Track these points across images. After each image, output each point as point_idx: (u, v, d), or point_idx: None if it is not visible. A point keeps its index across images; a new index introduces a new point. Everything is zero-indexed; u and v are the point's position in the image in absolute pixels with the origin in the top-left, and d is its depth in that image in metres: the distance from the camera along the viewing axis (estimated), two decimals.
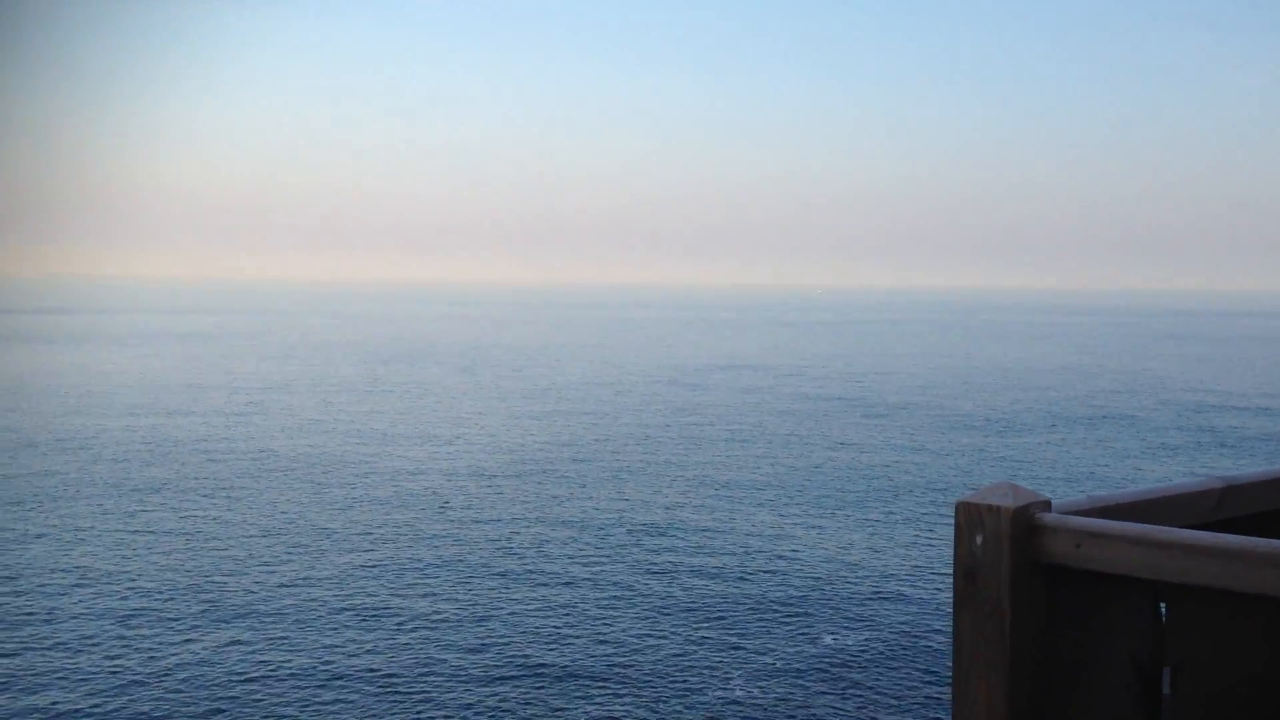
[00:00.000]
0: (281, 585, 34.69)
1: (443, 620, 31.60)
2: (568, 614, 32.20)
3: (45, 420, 69.07)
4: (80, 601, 32.84)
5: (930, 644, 30.13)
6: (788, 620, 32.02)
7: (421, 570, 36.38)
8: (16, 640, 29.57)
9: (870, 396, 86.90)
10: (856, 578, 36.06)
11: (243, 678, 27.54)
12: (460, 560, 37.54)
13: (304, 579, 35.39)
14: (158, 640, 29.80)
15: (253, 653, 29.00)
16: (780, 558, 38.31)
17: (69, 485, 49.14)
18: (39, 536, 40.06)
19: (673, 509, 45.29)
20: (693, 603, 33.33)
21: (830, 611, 32.80)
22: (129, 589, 34.13)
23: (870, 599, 33.95)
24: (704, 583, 35.27)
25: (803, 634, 30.92)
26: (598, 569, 36.55)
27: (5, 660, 28.18)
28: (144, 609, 32.29)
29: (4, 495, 46.78)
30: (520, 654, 29.12)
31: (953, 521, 3.89)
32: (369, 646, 29.58)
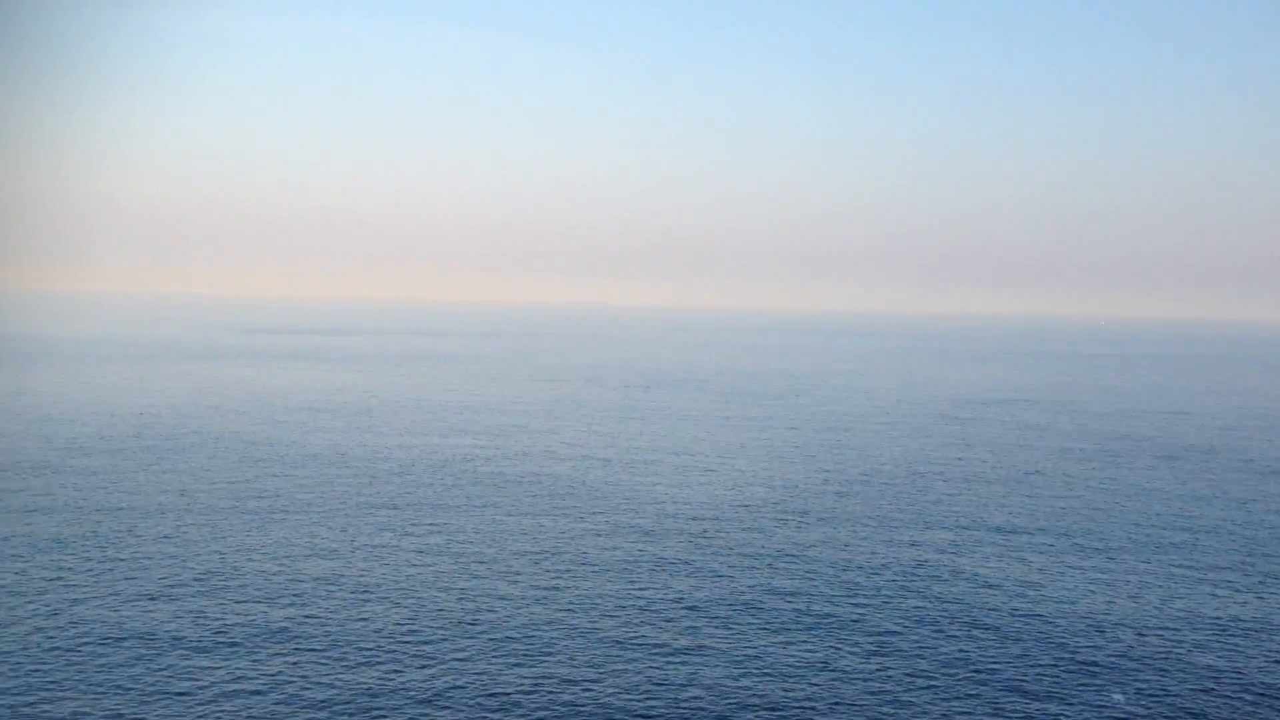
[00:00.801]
0: (540, 609, 34.64)
1: (700, 654, 30.72)
2: (831, 658, 30.74)
3: (329, 436, 72.56)
4: (358, 614, 33.70)
5: (1242, 701, 27.06)
6: (1070, 671, 29.53)
7: (681, 602, 35.64)
8: (293, 647, 30.48)
9: (1162, 436, 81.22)
10: (1149, 630, 33.04)
11: (508, 698, 27.44)
12: (721, 595, 36.58)
13: (562, 605, 35.24)
14: (425, 657, 30.14)
15: (518, 672, 28.91)
16: (1059, 603, 35.65)
17: (349, 499, 51.09)
18: (328, 552, 41.60)
19: (943, 551, 43.05)
20: (965, 650, 31.25)
21: (1120, 665, 30.07)
22: (402, 603, 34.83)
23: (1165, 654, 30.95)
24: (979, 631, 33.09)
25: (1087, 687, 28.40)
26: (864, 611, 34.87)
27: (279, 667, 29.03)
28: (412, 624, 32.83)
29: (293, 506, 49.04)
30: (779, 693, 27.89)
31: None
32: (625, 673, 29.01)
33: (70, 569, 37.68)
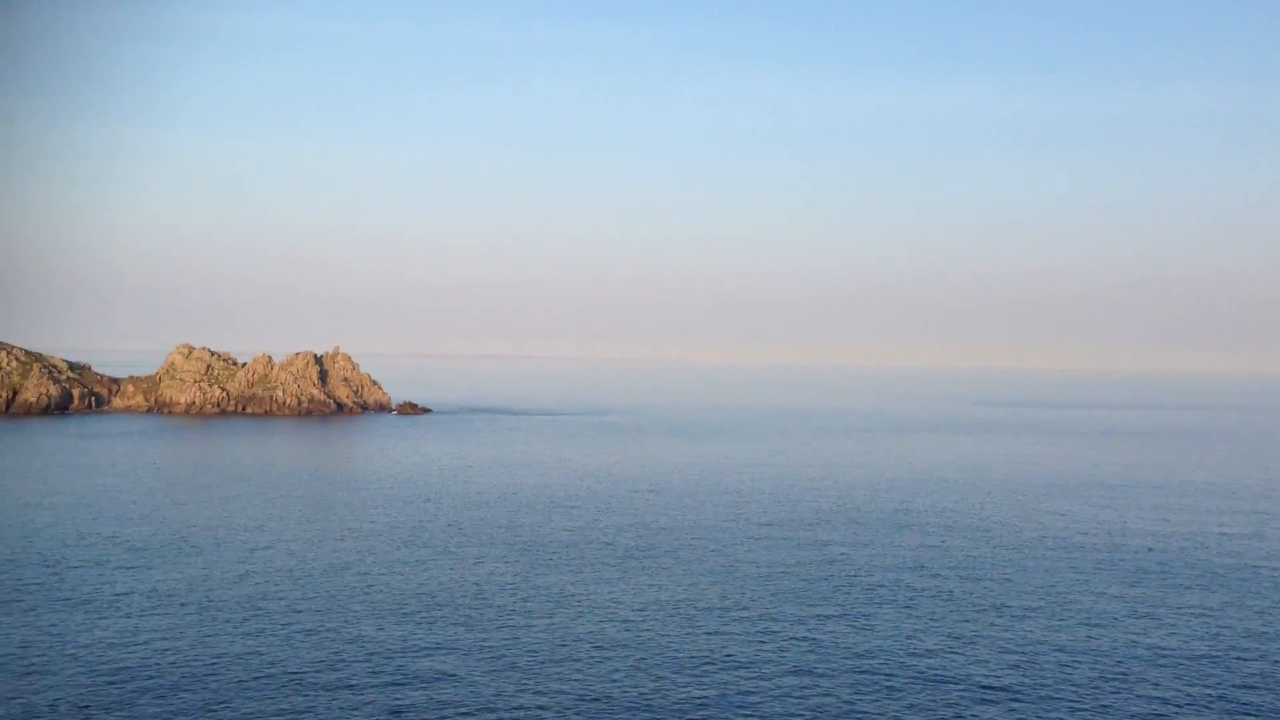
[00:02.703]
0: None
1: None
2: None
3: (1068, 516, 69.52)
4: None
5: None
6: None
7: None
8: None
9: None
10: None
11: None
12: None
13: None
14: None
15: None
16: None
17: (1095, 581, 48.15)
18: (1094, 652, 39.38)
19: None
20: None
21: None
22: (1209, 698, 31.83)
23: None
24: None
25: None
26: None
27: None
28: None
29: (1038, 590, 47.25)
30: None
31: None
32: None
33: (813, 637, 39.09)
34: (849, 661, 35.95)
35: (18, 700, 31.42)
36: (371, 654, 36.27)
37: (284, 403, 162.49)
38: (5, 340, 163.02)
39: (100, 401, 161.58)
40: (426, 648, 37.03)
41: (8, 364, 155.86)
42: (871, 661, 36.00)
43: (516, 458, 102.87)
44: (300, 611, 41.75)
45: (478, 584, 46.76)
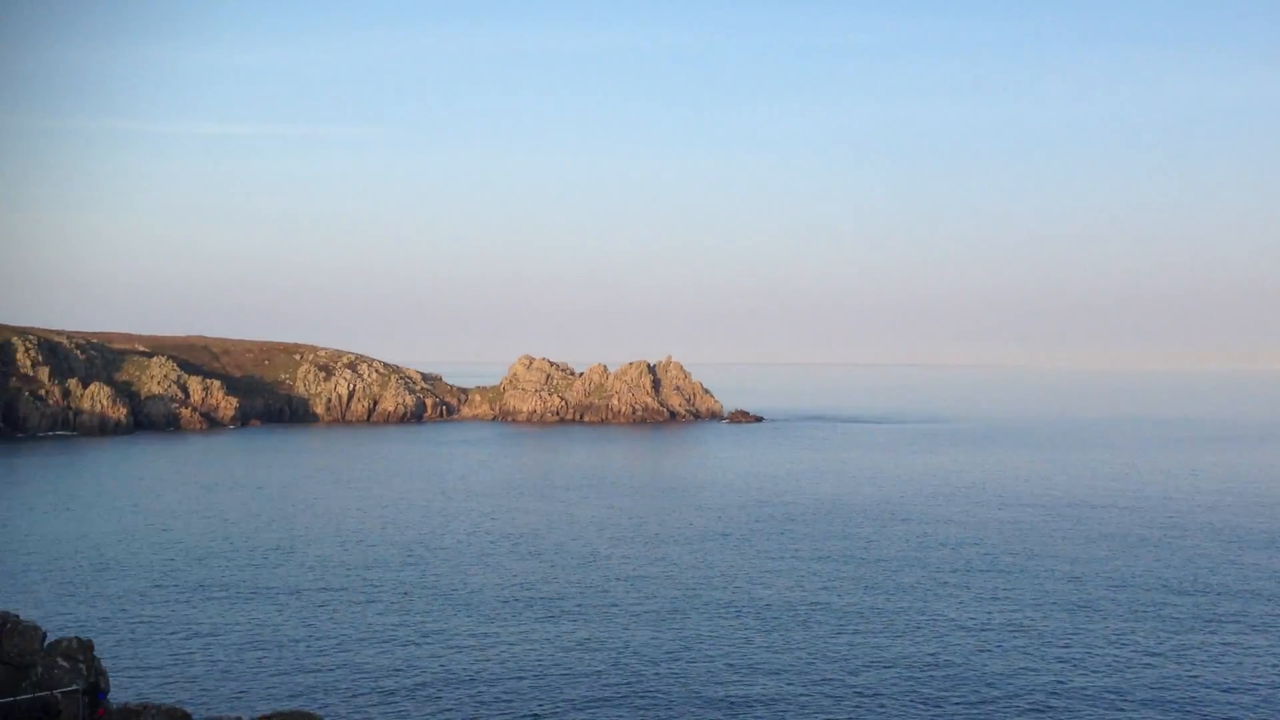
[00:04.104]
0: None
1: None
2: None
3: None
4: None
5: None
6: None
7: None
8: None
9: None
10: None
11: None
12: None
13: None
14: None
15: None
16: None
17: None
18: None
19: None
20: None
21: None
22: None
23: None
24: None
25: None
26: None
27: None
28: None
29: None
30: None
31: None
32: None
33: (1174, 666, 35.01)
34: (1216, 695, 32.01)
35: (379, 690, 32.43)
36: (710, 659, 35.40)
37: (619, 411, 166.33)
38: (367, 354, 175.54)
39: (450, 410, 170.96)
40: (763, 658, 35.84)
41: (369, 376, 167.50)
42: (1243, 697, 31.73)
43: (851, 466, 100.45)
44: (641, 614, 41.58)
45: (813, 595, 45.34)
